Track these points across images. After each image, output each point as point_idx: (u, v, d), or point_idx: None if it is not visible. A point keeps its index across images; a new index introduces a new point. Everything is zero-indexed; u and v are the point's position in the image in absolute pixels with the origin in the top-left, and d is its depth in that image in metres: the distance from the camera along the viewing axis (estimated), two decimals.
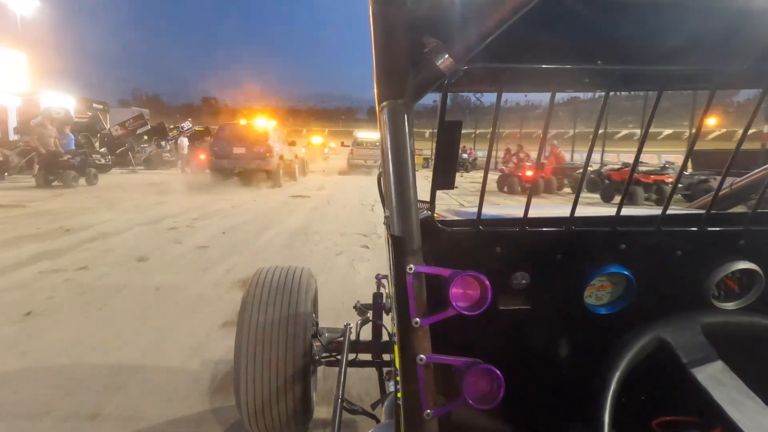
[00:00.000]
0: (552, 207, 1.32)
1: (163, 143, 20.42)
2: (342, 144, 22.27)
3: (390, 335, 1.69)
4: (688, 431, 0.79)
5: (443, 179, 0.77)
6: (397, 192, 0.60)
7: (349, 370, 1.53)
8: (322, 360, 1.81)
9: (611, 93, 0.75)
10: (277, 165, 11.93)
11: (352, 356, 1.72)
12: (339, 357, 1.76)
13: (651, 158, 20.61)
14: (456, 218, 0.98)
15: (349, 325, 1.70)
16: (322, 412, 1.97)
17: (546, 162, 12.92)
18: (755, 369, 0.71)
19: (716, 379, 0.69)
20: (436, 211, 0.82)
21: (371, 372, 1.96)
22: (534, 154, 14.58)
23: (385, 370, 1.74)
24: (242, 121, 13.65)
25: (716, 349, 0.73)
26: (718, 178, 0.90)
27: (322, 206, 8.83)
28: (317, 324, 1.91)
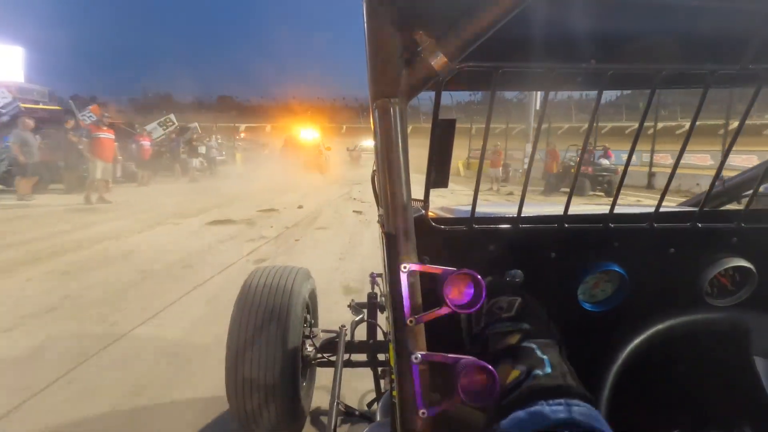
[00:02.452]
0: (545, 205, 1.33)
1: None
2: (347, 149, 26.17)
3: (385, 334, 1.69)
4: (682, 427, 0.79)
5: (437, 177, 0.77)
6: (390, 190, 0.59)
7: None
8: (315, 361, 1.80)
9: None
10: (324, 163, 19.64)
11: (346, 356, 1.72)
12: (333, 358, 1.76)
13: (702, 159, 17.67)
14: (450, 216, 0.97)
15: (344, 326, 1.69)
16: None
17: None
18: None
19: None
20: (430, 209, 0.82)
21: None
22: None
23: (380, 369, 1.74)
24: (300, 133, 22.02)
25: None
26: None
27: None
28: (311, 325, 1.90)
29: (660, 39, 0.71)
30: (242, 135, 30.13)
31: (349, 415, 1.47)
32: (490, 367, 0.57)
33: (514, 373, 0.59)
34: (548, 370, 0.62)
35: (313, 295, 2.00)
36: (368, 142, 25.31)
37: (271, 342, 1.56)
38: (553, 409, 0.54)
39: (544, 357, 0.64)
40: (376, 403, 1.65)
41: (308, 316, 1.87)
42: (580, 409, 0.54)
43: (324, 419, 2.07)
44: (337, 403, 1.29)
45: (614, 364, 0.74)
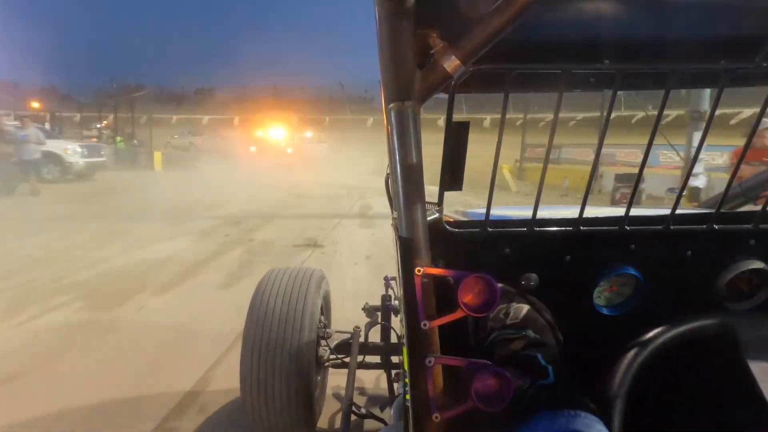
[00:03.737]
0: (561, 207, 1.32)
1: None
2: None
3: (399, 337, 1.69)
4: None
5: (451, 180, 0.77)
6: (404, 194, 0.60)
7: None
8: (329, 362, 1.81)
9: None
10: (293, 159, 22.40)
11: (360, 358, 1.72)
12: (347, 359, 1.77)
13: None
14: (464, 219, 0.97)
15: (359, 328, 1.70)
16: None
17: None
18: None
19: None
20: (445, 212, 0.82)
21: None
22: None
23: (393, 372, 1.74)
24: (278, 132, 25.14)
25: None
26: None
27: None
28: (326, 326, 1.91)
29: (673, 38, 0.70)
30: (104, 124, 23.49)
31: (362, 416, 1.47)
32: (503, 371, 0.57)
33: (519, 383, 0.59)
34: (552, 380, 0.62)
35: (327, 297, 2.02)
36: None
37: (287, 342, 1.57)
38: (557, 419, 0.55)
39: (549, 367, 0.65)
40: (389, 406, 1.65)
41: (322, 317, 1.89)
42: (582, 419, 0.55)
43: (337, 419, 2.08)
44: (351, 405, 1.30)
45: (630, 369, 0.73)
